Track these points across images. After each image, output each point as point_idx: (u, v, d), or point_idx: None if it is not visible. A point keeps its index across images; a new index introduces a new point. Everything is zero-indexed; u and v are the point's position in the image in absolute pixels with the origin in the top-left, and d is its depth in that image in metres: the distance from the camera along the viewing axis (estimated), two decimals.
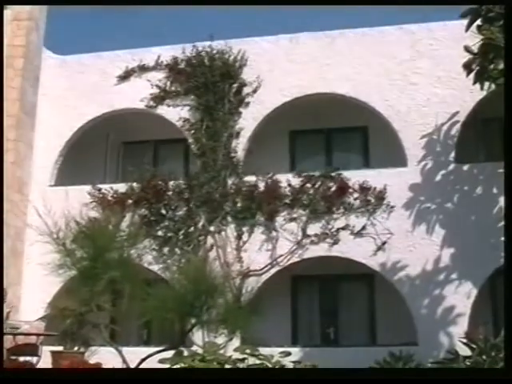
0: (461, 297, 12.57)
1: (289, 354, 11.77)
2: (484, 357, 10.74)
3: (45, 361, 10.38)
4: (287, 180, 13.49)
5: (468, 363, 10.85)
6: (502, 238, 12.54)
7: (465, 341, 11.39)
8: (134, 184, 14.00)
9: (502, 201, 12.69)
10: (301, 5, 14.05)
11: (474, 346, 11.02)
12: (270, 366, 11.15)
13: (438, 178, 13.20)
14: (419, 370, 6.54)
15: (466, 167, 13.17)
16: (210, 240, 13.47)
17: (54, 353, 10.76)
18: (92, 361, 9.79)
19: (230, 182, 13.71)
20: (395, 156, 13.42)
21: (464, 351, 11.21)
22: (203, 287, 6.45)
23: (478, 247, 12.51)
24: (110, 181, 14.79)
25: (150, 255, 12.84)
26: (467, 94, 12.86)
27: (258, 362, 11.23)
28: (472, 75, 11.42)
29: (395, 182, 13.18)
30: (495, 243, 12.56)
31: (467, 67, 11.47)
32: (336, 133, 14.87)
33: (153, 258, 12.96)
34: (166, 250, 13.49)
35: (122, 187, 14.09)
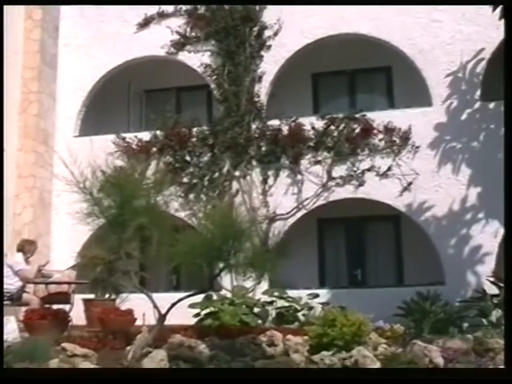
0: (488, 236, 12.54)
1: (317, 295, 11.95)
2: None
3: (77, 308, 10.63)
4: (311, 123, 13.42)
5: (495, 301, 10.91)
6: None
7: (492, 279, 11.41)
8: (158, 132, 14.02)
9: None
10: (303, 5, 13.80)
11: (501, 284, 11.05)
12: (298, 307, 11.31)
13: (464, 116, 13.04)
14: (419, 370, 6.54)
15: (491, 105, 12.97)
16: (235, 185, 13.52)
17: (85, 300, 10.98)
18: (123, 307, 9.98)
19: (253, 126, 13.67)
20: (420, 96, 13.25)
21: (492, 290, 11.26)
22: (230, 232, 6.47)
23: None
24: (133, 130, 14.82)
25: (176, 202, 12.91)
26: (493, 31, 12.57)
27: (286, 304, 11.40)
28: (498, 11, 11.15)
29: (420, 121, 13.05)
30: None
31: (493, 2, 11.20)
32: (359, 74, 14.70)
33: (179, 204, 13.02)
34: (191, 196, 13.56)
35: (145, 135, 14.12)
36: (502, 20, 11.17)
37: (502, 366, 6.44)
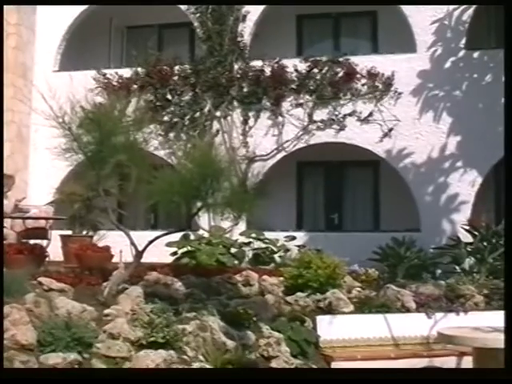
0: (465, 185, 12.64)
1: (293, 238, 12.02)
2: (485, 243, 10.94)
3: (54, 244, 10.62)
4: (294, 65, 13.31)
5: (469, 249, 11.07)
6: None
7: (467, 228, 11.55)
8: (139, 69, 13.84)
9: None
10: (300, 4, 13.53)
11: (476, 233, 11.20)
12: (274, 249, 11.39)
13: (448, 64, 12.99)
14: (418, 370, 6.59)
15: (476, 54, 12.93)
16: (215, 125, 13.45)
17: (63, 236, 10.96)
18: (100, 244, 9.99)
19: (236, 66, 13.54)
20: (404, 42, 13.15)
21: (466, 238, 11.40)
22: (209, 171, 6.45)
23: (484, 135, 12.44)
24: (114, 66, 14.62)
25: (156, 140, 12.83)
26: None
27: (263, 245, 11.47)
28: None
29: (403, 68, 12.99)
30: (502, 131, 12.48)
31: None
32: (344, 17, 14.54)
33: (159, 143, 12.94)
34: (171, 135, 13.49)
35: (126, 72, 13.95)
36: None
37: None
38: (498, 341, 7.08)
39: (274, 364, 6.89)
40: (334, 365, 7.63)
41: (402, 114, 12.90)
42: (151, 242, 7.35)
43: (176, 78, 13.74)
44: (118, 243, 8.55)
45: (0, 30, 13.02)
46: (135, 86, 13.74)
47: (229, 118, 13.45)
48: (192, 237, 11.18)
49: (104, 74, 13.94)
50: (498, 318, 8.30)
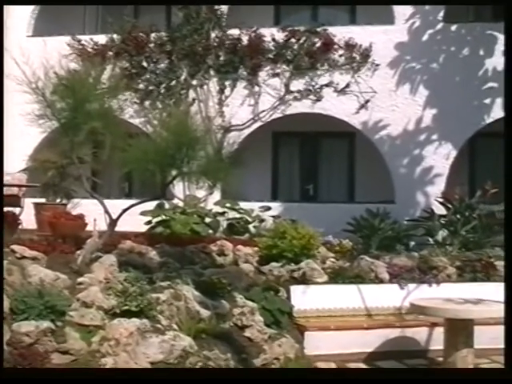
0: (440, 157, 12.71)
1: (268, 208, 12.04)
2: (458, 216, 11.03)
3: (28, 212, 10.53)
4: (271, 34, 13.22)
5: (443, 221, 11.16)
6: (486, 101, 12.59)
7: (441, 200, 11.63)
8: (115, 36, 13.66)
9: (488, 63, 12.59)
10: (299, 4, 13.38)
11: (450, 206, 11.28)
12: (249, 219, 11.40)
13: (425, 37, 12.97)
14: (418, 370, 6.60)
15: (454, 27, 12.92)
16: (192, 94, 13.34)
17: (36, 204, 10.86)
18: (74, 212, 9.92)
19: (213, 35, 13.40)
20: (382, 14, 13.10)
21: (440, 210, 11.49)
22: (184, 140, 6.40)
23: (460, 109, 12.50)
24: (89, 32, 14.41)
25: (132, 108, 12.74)
26: None
27: (237, 215, 11.47)
28: None
29: (381, 39, 12.96)
30: (478, 105, 12.58)
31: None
32: None
33: (134, 111, 12.86)
34: (147, 103, 13.37)
35: (101, 39, 13.75)
36: None
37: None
38: (469, 312, 7.18)
39: (247, 333, 6.92)
40: (307, 334, 7.69)
41: (378, 86, 12.89)
42: (125, 210, 7.31)
43: (152, 45, 13.58)
44: (92, 211, 8.48)
45: (0, 30, 12.81)
46: (110, 53, 13.57)
47: (205, 86, 13.35)
48: (167, 206, 11.15)
49: (79, 40, 13.73)
50: (469, 289, 8.44)
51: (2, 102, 12.69)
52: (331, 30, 13.09)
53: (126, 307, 6.16)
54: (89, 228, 8.70)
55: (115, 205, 7.65)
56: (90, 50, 13.61)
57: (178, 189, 10.97)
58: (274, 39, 13.19)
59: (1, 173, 10.46)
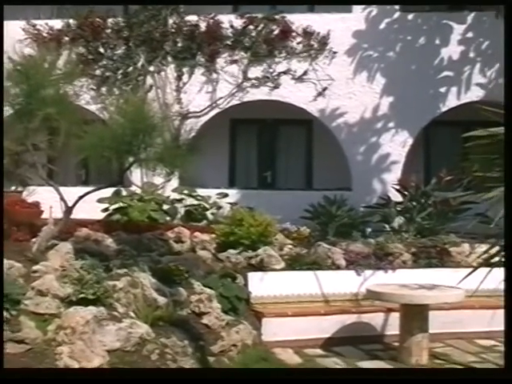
0: (396, 145, 12.83)
1: (226, 195, 12.05)
2: (414, 203, 11.17)
3: None
4: (229, 21, 13.15)
5: (399, 208, 11.29)
6: (441, 90, 12.74)
7: (397, 187, 11.76)
8: (71, 21, 13.45)
9: (443, 52, 12.74)
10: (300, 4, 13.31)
11: (406, 193, 11.41)
12: (207, 206, 11.39)
13: (382, 26, 13.05)
14: (418, 370, 6.62)
15: (410, 16, 13.03)
16: (149, 80, 13.22)
17: None
18: (30, 200, 9.80)
19: (170, 21, 13.28)
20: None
21: (396, 197, 11.62)
22: (141, 126, 6.36)
23: (416, 97, 12.62)
24: (44, 17, 14.14)
25: (88, 95, 12.62)
26: None
27: (195, 202, 11.46)
28: None
29: (339, 27, 12.98)
30: (434, 94, 12.72)
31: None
32: None
33: (91, 97, 12.72)
34: (104, 89, 13.21)
35: (57, 24, 13.52)
36: None
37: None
38: (424, 297, 7.30)
39: (205, 320, 6.93)
40: (265, 321, 7.73)
41: (336, 74, 12.94)
42: (81, 197, 7.25)
43: (109, 31, 13.39)
44: (47, 199, 8.40)
45: (0, 30, 12.50)
46: (66, 38, 13.35)
47: (162, 73, 13.24)
48: (124, 193, 11.09)
49: (34, 25, 13.49)
50: (424, 275, 8.57)
51: (2, 101, 12.43)
52: (289, 17, 13.07)
53: (83, 295, 6.11)
54: (44, 216, 8.61)
55: (71, 192, 7.58)
56: (45, 35, 13.38)
57: (136, 176, 10.93)
58: (232, 26, 13.13)
59: (1, 172, 10.29)
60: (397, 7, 12.93)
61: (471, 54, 12.70)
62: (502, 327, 7.67)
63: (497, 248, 4.09)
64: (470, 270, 4.09)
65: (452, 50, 12.71)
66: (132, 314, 6.35)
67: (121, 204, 10.39)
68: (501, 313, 7.62)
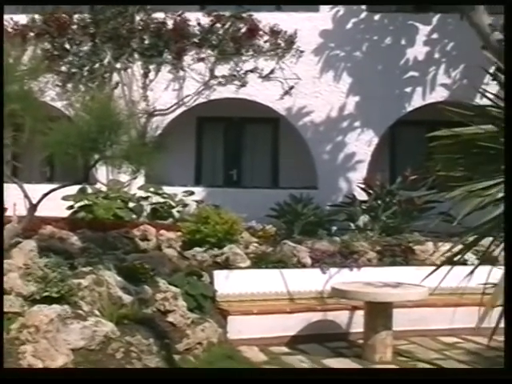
0: (362, 144, 12.93)
1: (192, 193, 12.04)
2: (379, 201, 11.26)
3: None
4: (197, 19, 13.12)
5: (364, 207, 11.37)
6: (406, 89, 12.87)
7: (362, 186, 11.85)
8: (36, 16, 13.31)
9: (409, 53, 12.87)
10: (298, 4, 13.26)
11: (371, 192, 11.50)
12: (173, 204, 11.36)
13: (349, 25, 13.14)
14: (418, 370, 6.63)
15: (377, 16, 13.13)
16: (115, 77, 13.14)
17: None
18: None
19: (137, 18, 13.21)
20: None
21: (361, 196, 11.70)
22: (107, 123, 6.31)
23: (382, 97, 12.71)
24: (9, 11, 13.97)
25: (53, 91, 12.51)
26: None
27: (161, 200, 11.43)
28: None
29: (306, 26, 13.04)
30: (399, 94, 12.84)
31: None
32: None
33: (56, 94, 12.62)
34: (69, 86, 13.10)
35: (22, 19, 13.37)
36: None
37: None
38: (388, 295, 7.37)
39: (170, 318, 6.92)
40: (230, 319, 7.74)
41: (302, 73, 12.99)
42: (46, 194, 7.17)
43: (75, 27, 13.28)
44: (11, 196, 8.27)
45: (0, 30, 12.29)
46: (31, 34, 13.21)
47: (129, 70, 13.16)
48: (89, 190, 11.01)
49: None
50: (389, 273, 8.65)
51: (2, 101, 12.24)
52: (256, 15, 13.10)
53: (47, 293, 6.06)
54: (8, 213, 8.51)
55: (36, 189, 7.50)
56: (9, 30, 13.21)
57: (101, 173, 10.83)
58: (199, 24, 13.11)
59: (1, 172, 10.12)
60: (363, 7, 13.03)
61: (436, 55, 12.85)
62: (463, 324, 7.79)
63: (460, 246, 4.14)
64: (434, 268, 4.13)
65: (417, 51, 12.85)
66: (97, 313, 6.32)
67: (86, 202, 10.33)
68: (462, 310, 7.76)
